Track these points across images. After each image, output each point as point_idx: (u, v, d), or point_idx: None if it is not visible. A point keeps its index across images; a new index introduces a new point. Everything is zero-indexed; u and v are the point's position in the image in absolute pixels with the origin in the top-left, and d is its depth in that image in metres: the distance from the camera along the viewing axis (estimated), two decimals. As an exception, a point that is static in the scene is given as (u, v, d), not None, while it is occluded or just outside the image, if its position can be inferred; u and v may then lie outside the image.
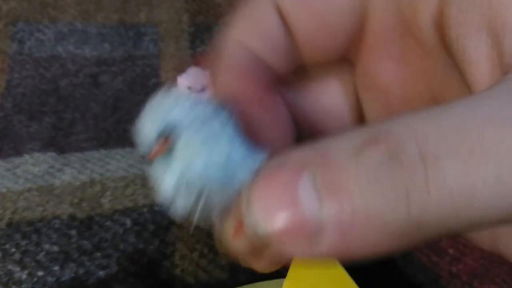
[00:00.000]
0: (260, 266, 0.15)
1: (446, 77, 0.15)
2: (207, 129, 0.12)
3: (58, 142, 0.38)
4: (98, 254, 0.32)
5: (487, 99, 0.11)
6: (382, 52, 0.17)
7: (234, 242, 0.14)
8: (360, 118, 0.19)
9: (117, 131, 0.39)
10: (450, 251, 0.33)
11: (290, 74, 0.18)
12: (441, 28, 0.15)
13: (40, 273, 0.31)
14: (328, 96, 0.19)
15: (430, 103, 0.17)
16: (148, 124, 0.13)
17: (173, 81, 0.41)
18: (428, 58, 0.16)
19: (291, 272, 0.25)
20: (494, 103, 0.11)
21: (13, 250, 0.31)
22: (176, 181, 0.12)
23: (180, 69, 0.44)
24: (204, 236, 0.33)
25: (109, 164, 0.37)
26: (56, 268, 0.31)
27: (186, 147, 0.12)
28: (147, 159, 0.13)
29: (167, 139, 0.12)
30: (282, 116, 0.18)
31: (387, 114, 0.18)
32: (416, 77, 0.17)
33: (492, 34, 0.13)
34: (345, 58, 0.18)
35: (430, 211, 0.10)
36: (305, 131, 0.19)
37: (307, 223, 0.10)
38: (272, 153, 0.12)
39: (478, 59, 0.13)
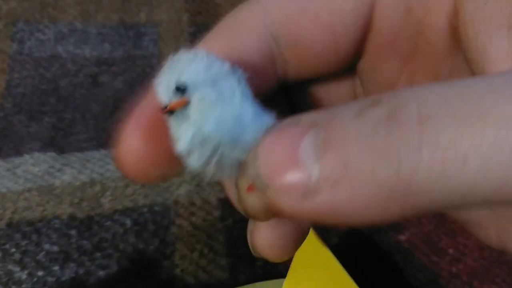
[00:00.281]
0: (270, 231, 0.16)
1: (452, 78, 0.15)
2: (221, 86, 0.13)
3: (58, 142, 0.38)
4: (98, 254, 0.32)
5: (499, 75, 0.11)
6: (389, 51, 0.17)
7: (248, 198, 0.14)
8: None
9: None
10: (450, 251, 0.33)
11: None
12: (455, 27, 0.15)
13: (40, 273, 0.31)
14: (333, 95, 0.19)
15: None
16: (165, 81, 0.13)
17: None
18: (436, 60, 0.16)
19: (291, 272, 0.25)
20: (504, 76, 0.11)
21: (13, 250, 0.31)
22: (192, 135, 0.13)
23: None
24: (204, 236, 0.33)
25: (109, 164, 0.37)
26: (56, 268, 0.31)
27: (201, 102, 0.13)
28: (165, 112, 0.13)
29: (183, 95, 0.13)
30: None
31: None
32: (422, 77, 0.17)
33: None
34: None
35: (420, 173, 0.10)
36: None
37: (303, 179, 0.11)
38: None
39: (498, 57, 0.13)
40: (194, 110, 0.13)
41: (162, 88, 0.13)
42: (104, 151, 0.38)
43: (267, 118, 0.13)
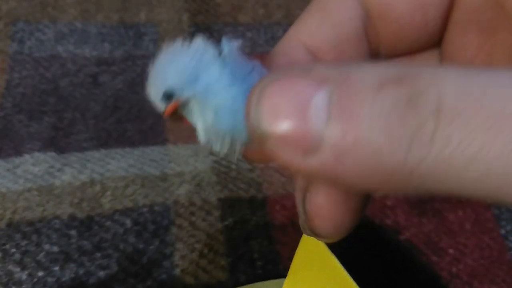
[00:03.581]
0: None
1: None
2: (206, 77, 0.13)
3: (58, 142, 0.38)
4: (98, 254, 0.32)
5: None
6: (468, 25, 0.17)
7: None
8: None
9: (117, 131, 0.39)
10: (450, 251, 0.34)
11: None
12: None
13: (40, 274, 0.31)
14: None
15: None
16: (153, 89, 0.14)
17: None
18: None
19: (291, 272, 0.25)
20: None
21: (13, 250, 0.31)
22: (204, 133, 0.14)
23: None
24: (204, 236, 0.33)
25: (109, 164, 0.37)
26: (56, 268, 0.31)
27: (194, 101, 0.13)
28: (164, 118, 0.14)
29: (173, 99, 0.14)
30: None
31: None
32: (501, 51, 0.16)
33: None
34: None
35: (425, 165, 0.10)
36: None
37: (308, 136, 0.11)
38: None
39: None
40: (193, 107, 0.14)
41: (153, 97, 0.14)
42: (104, 151, 0.38)
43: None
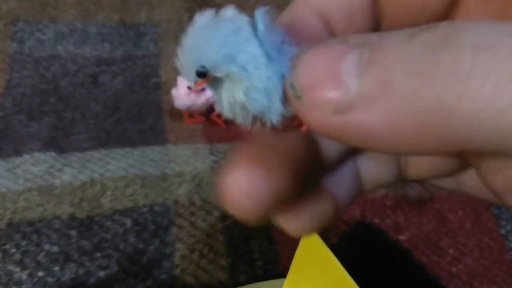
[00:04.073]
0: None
1: None
2: (242, 56, 0.13)
3: (58, 142, 0.38)
4: (98, 255, 0.32)
5: None
6: (478, 14, 0.16)
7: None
8: None
9: (117, 131, 0.39)
10: (450, 251, 0.34)
11: None
12: None
13: (40, 274, 0.31)
14: None
15: None
16: (186, 63, 0.14)
17: (173, 81, 0.41)
18: None
19: (291, 272, 0.25)
20: None
21: (13, 250, 0.31)
22: (228, 103, 0.14)
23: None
24: (204, 236, 0.33)
25: (109, 164, 0.37)
26: (56, 268, 0.31)
27: (228, 78, 0.13)
28: (193, 89, 0.14)
29: (205, 75, 0.13)
30: None
31: None
32: None
33: None
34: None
35: (463, 103, 0.09)
36: None
37: (338, 93, 0.11)
38: None
39: None
40: (224, 83, 0.14)
41: (185, 72, 0.14)
42: (104, 151, 0.38)
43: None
